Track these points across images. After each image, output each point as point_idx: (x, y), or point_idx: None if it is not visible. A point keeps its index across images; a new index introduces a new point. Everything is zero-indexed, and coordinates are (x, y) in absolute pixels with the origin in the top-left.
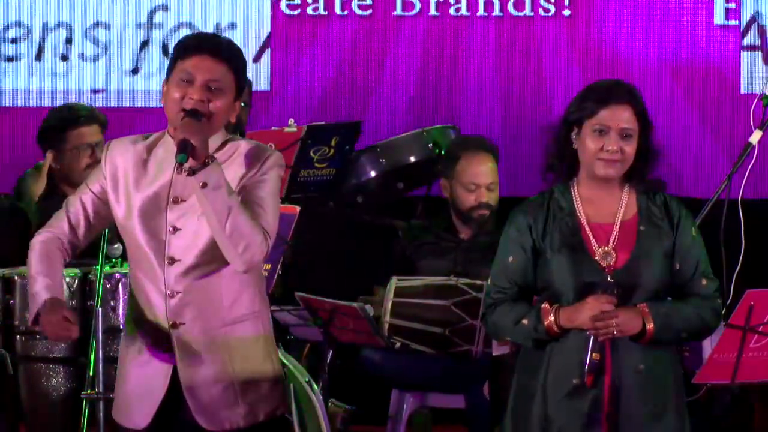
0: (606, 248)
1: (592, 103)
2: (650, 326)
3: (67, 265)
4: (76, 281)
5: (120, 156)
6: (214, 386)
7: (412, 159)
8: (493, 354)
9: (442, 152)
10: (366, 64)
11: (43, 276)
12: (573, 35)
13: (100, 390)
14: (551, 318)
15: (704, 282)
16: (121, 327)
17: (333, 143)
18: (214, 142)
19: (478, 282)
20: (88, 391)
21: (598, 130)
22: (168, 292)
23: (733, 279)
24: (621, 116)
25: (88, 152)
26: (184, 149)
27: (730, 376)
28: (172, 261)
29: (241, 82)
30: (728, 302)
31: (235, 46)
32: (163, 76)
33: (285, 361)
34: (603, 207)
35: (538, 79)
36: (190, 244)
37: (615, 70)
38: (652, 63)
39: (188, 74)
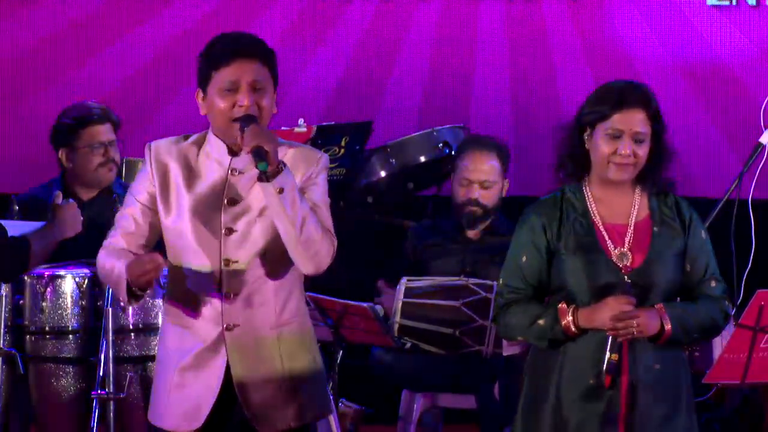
0: (622, 249)
1: (605, 106)
2: (668, 327)
3: (77, 265)
4: (87, 281)
5: (168, 155)
6: (267, 387)
7: (422, 159)
8: (504, 354)
9: (452, 152)
10: (377, 62)
11: (117, 261)
12: (579, 20)
13: (110, 390)
14: (569, 318)
15: (713, 284)
16: (131, 327)
17: (343, 143)
18: None
19: (489, 282)
20: (98, 391)
21: (612, 134)
22: (225, 293)
23: (743, 279)
24: (634, 120)
25: (101, 151)
26: (261, 156)
27: (740, 377)
28: (228, 263)
29: (276, 74)
30: (738, 302)
31: (261, 40)
32: None
33: None
34: (616, 207)
35: (547, 70)
36: (246, 245)
37: (621, 62)
38: (658, 56)
39: (232, 83)
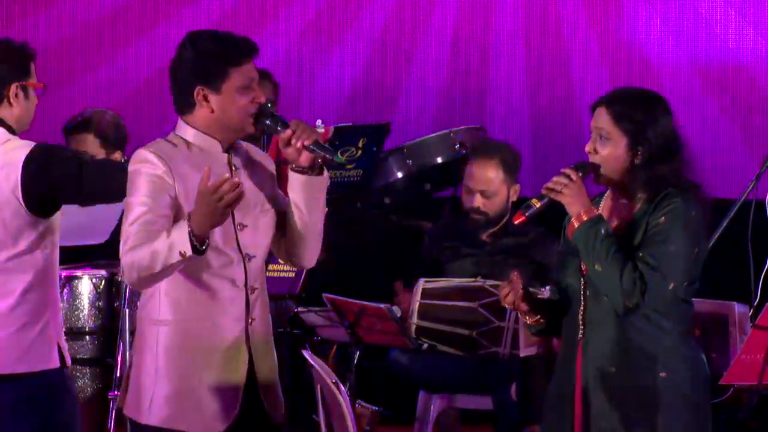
0: None
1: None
2: (585, 217)
3: (93, 266)
4: (103, 282)
5: (175, 159)
6: (275, 379)
7: (439, 160)
8: (521, 355)
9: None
10: (394, 63)
11: (166, 234)
12: (595, 20)
13: None
14: None
15: (648, 260)
16: None
17: (360, 144)
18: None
19: None
20: (115, 392)
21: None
22: (249, 288)
23: (761, 280)
24: (598, 118)
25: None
26: (325, 149)
27: (757, 377)
28: (249, 258)
29: None
30: (755, 303)
31: None
32: None
33: (312, 362)
34: (615, 211)
35: (563, 71)
36: (258, 239)
37: (638, 62)
38: (674, 56)
39: (251, 80)
